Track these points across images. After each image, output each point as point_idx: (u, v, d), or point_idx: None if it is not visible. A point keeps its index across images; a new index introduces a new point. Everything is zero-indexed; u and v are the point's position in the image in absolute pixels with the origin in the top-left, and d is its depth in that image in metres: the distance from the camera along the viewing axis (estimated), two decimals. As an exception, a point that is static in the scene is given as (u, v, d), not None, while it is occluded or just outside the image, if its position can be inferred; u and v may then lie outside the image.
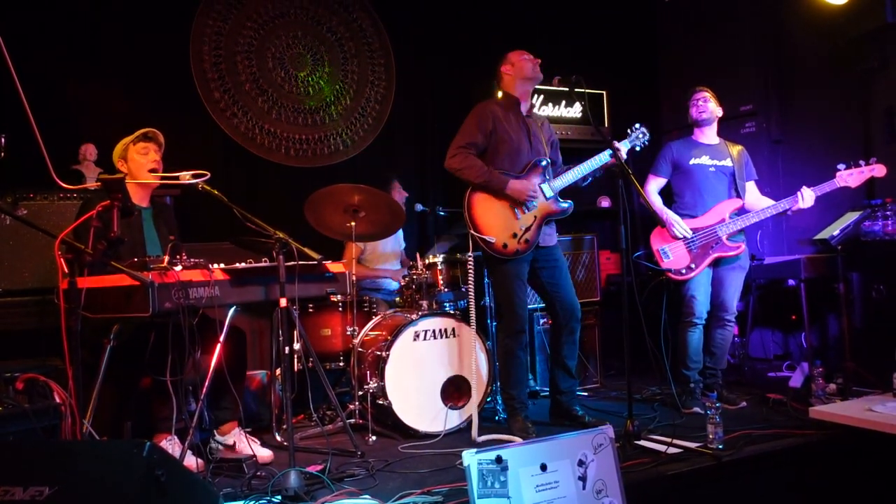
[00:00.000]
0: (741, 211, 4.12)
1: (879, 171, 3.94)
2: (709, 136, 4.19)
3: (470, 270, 3.79)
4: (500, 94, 3.92)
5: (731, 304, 4.12)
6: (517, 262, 3.65)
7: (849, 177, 3.94)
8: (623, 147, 3.71)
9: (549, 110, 5.57)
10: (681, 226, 4.07)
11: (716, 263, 4.09)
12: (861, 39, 4.76)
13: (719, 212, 4.08)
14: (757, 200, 4.20)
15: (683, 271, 4.06)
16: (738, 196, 4.14)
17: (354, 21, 5.57)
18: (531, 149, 3.72)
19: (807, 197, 3.95)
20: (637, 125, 3.83)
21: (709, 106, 4.15)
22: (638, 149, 3.82)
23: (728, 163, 4.14)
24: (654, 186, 4.23)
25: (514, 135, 3.69)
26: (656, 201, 4.19)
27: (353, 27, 5.56)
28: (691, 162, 4.14)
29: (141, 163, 3.26)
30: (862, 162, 3.95)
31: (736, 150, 4.20)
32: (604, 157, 3.63)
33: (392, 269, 4.81)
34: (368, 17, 5.61)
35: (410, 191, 5.05)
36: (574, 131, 5.64)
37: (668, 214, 4.11)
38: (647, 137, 3.83)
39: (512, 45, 3.90)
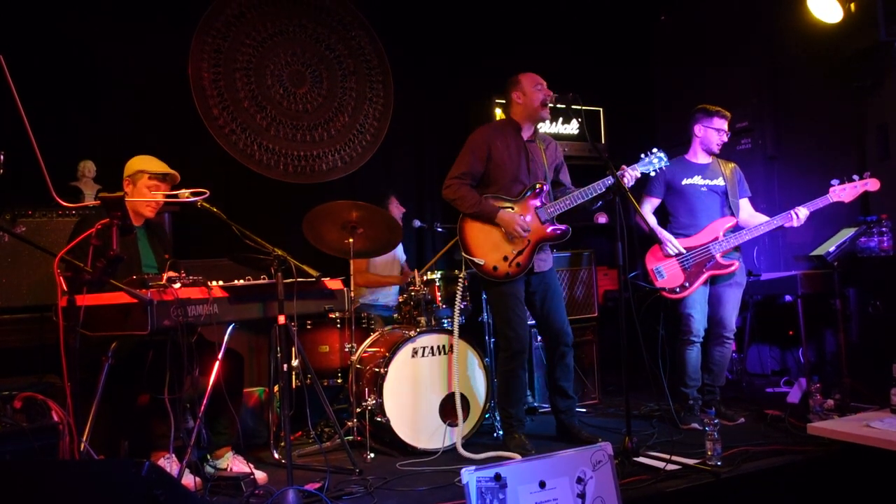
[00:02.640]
0: (735, 228, 4.14)
1: (873, 185, 3.96)
2: (703, 156, 4.22)
3: (458, 291, 3.81)
4: (499, 114, 3.92)
5: (730, 322, 4.12)
6: (512, 282, 3.66)
7: (842, 192, 3.96)
8: (632, 172, 3.62)
9: (547, 127, 5.59)
10: (673, 244, 4.08)
11: (712, 281, 4.11)
12: (855, 57, 4.81)
13: (713, 230, 4.10)
14: (751, 217, 4.22)
15: (678, 290, 4.08)
16: (731, 214, 4.16)
17: (353, 39, 5.61)
18: (529, 174, 3.71)
19: (801, 216, 3.97)
20: (654, 150, 3.71)
21: (725, 139, 4.16)
22: (652, 173, 3.74)
23: (720, 182, 4.16)
24: (648, 207, 4.24)
25: (511, 160, 3.69)
26: (651, 220, 4.20)
27: (351, 45, 5.60)
28: (684, 182, 4.15)
29: (146, 196, 3.28)
30: (856, 177, 3.97)
31: (728, 168, 4.22)
32: (600, 186, 3.58)
33: (396, 276, 4.81)
34: (367, 36, 5.65)
35: (408, 207, 5.07)
36: (571, 148, 5.66)
37: (662, 233, 4.13)
38: (663, 162, 3.72)
39: (508, 63, 3.92)
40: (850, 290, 4.51)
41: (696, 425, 3.94)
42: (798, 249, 5.17)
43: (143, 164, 3.31)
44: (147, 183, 3.29)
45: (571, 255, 4.95)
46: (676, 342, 4.15)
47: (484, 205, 3.64)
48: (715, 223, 4.11)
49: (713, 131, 4.12)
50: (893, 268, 4.30)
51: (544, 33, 6.11)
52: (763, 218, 4.16)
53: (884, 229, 4.37)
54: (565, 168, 3.94)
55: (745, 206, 4.25)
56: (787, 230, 4.05)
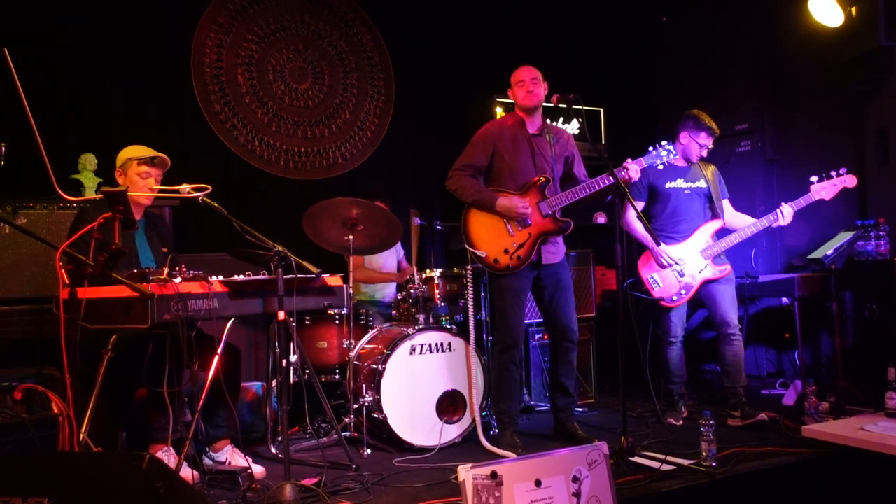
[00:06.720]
0: (723, 231, 4.16)
1: (850, 181, 4.03)
2: (683, 159, 4.23)
3: (469, 284, 3.85)
4: (500, 112, 3.93)
5: (730, 317, 4.09)
6: (515, 276, 3.68)
7: (822, 189, 4.03)
8: (636, 166, 3.62)
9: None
10: (667, 256, 4.10)
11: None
12: (855, 61, 4.80)
13: (702, 235, 4.12)
14: (734, 218, 4.26)
15: (675, 298, 4.12)
16: (715, 216, 4.18)
17: (355, 36, 5.61)
18: (535, 167, 3.74)
19: (787, 214, 4.02)
20: (663, 142, 3.69)
21: (705, 154, 4.17)
22: (660, 167, 3.73)
23: (702, 184, 4.19)
24: (632, 212, 4.20)
25: (516, 154, 3.73)
26: (639, 228, 4.18)
27: (353, 42, 5.60)
28: (668, 186, 4.18)
29: (138, 184, 3.28)
30: (833, 173, 4.03)
31: (709, 170, 4.25)
32: (603, 181, 3.58)
33: (394, 273, 4.83)
34: (369, 33, 5.65)
35: (409, 205, 5.07)
36: (571, 148, 5.66)
37: (653, 244, 4.11)
38: (671, 155, 3.67)
39: (509, 62, 3.92)
40: (846, 293, 4.52)
41: (672, 420, 4.06)
42: (796, 252, 5.18)
43: (131, 152, 3.32)
44: (137, 170, 3.29)
45: (572, 255, 4.95)
46: (659, 343, 4.23)
47: (484, 193, 3.70)
48: (703, 227, 4.13)
49: (696, 145, 4.13)
50: (890, 271, 4.31)
51: (546, 33, 6.12)
52: (746, 218, 4.19)
53: (881, 233, 4.39)
54: (578, 161, 3.91)
55: (727, 207, 4.29)
56: (785, 233, 4.07)
